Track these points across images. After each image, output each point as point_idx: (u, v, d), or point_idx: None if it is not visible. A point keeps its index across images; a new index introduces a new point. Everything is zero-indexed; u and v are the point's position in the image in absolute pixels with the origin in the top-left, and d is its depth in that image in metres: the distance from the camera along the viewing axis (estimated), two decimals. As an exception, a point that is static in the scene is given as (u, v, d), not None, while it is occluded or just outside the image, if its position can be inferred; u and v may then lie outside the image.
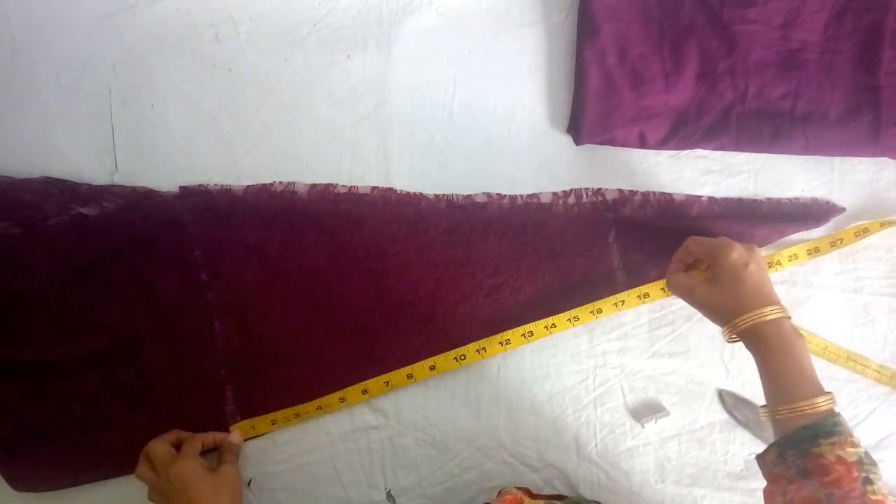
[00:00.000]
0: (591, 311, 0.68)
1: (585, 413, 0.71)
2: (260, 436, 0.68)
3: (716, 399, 0.71)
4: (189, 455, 0.60)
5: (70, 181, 0.65)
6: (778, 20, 0.69)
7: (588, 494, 0.70)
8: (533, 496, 0.64)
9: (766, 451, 0.53)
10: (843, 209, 0.71)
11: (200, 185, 0.67)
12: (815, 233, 0.71)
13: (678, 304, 0.71)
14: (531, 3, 0.71)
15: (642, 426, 0.70)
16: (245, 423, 0.67)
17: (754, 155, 0.72)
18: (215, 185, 0.68)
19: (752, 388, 0.71)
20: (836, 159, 0.72)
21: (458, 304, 0.69)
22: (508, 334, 0.67)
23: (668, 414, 0.70)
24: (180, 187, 0.67)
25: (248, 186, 0.68)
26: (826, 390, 0.52)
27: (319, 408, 0.67)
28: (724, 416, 0.71)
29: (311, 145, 0.69)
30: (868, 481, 0.47)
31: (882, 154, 0.70)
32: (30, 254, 0.64)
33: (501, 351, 0.68)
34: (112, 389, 0.66)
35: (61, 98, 0.67)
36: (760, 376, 0.56)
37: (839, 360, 0.71)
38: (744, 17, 0.69)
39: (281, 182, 0.68)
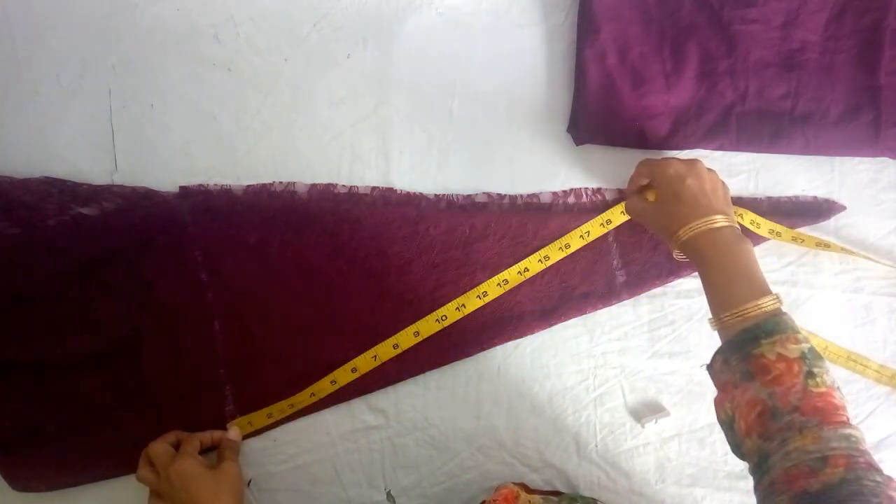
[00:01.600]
0: (560, 248, 0.68)
1: (585, 413, 0.71)
2: (259, 433, 0.68)
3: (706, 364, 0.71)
4: (189, 454, 0.59)
5: (70, 181, 0.65)
6: (778, 20, 0.69)
7: (588, 494, 0.70)
8: (530, 491, 0.64)
9: (712, 360, 0.52)
10: (844, 207, 0.71)
11: (200, 185, 0.67)
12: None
13: (678, 304, 0.71)
14: (531, 4, 0.71)
15: (642, 426, 0.70)
16: (242, 420, 0.66)
17: (754, 155, 0.72)
18: (215, 185, 0.67)
19: (753, 388, 0.71)
20: (837, 159, 0.72)
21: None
22: (485, 286, 0.68)
23: (668, 414, 0.70)
24: (180, 187, 0.67)
25: (248, 186, 0.68)
26: (771, 290, 0.51)
27: (312, 395, 0.66)
28: (724, 416, 0.71)
29: (311, 145, 0.69)
30: (810, 375, 0.45)
31: (882, 154, 0.70)
32: (30, 254, 0.64)
33: (480, 304, 0.67)
34: (112, 389, 0.66)
35: (61, 98, 0.66)
36: (703, 288, 0.55)
37: (839, 360, 0.71)
38: (744, 17, 0.69)
39: (281, 182, 0.68)
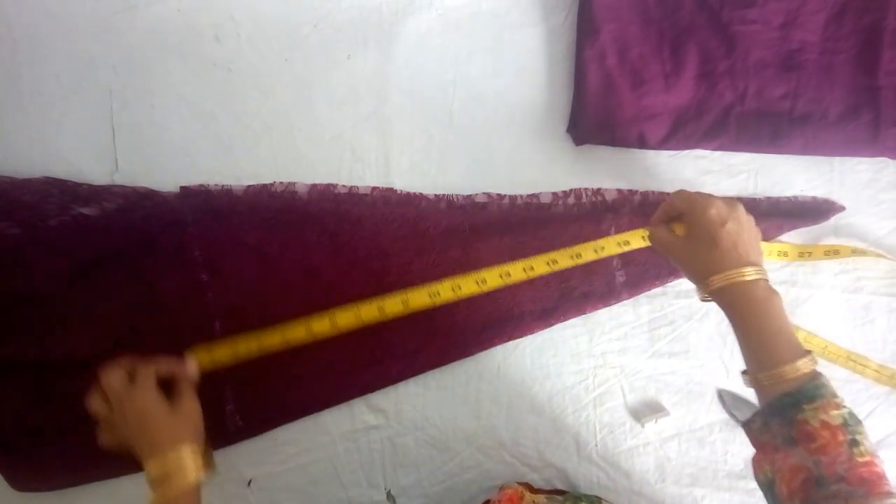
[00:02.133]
0: (571, 256, 0.66)
1: (585, 413, 0.71)
2: (259, 434, 0.68)
3: (716, 399, 0.71)
4: (147, 388, 0.54)
5: (70, 181, 0.65)
6: (777, 20, 0.69)
7: (588, 494, 0.70)
8: (534, 491, 0.64)
9: (751, 420, 0.52)
10: (843, 207, 0.71)
11: (201, 185, 0.67)
12: (806, 235, 0.71)
13: (678, 304, 0.71)
14: (531, 4, 0.71)
15: (642, 426, 0.70)
16: (201, 350, 0.60)
17: (754, 155, 0.72)
18: (215, 185, 0.68)
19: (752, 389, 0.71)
20: (836, 159, 0.72)
21: (458, 304, 0.68)
22: (485, 273, 0.65)
23: (668, 414, 0.70)
24: (181, 187, 0.67)
25: (249, 186, 0.68)
26: (805, 349, 0.51)
27: (286, 341, 0.63)
28: (723, 415, 0.71)
29: (311, 145, 0.69)
30: (854, 443, 0.46)
31: (881, 154, 0.70)
32: (30, 253, 0.64)
33: (476, 291, 0.65)
34: (112, 389, 0.66)
35: (61, 98, 0.67)
36: (737, 338, 0.54)
37: (839, 360, 0.71)
38: (743, 18, 0.69)
39: (281, 182, 0.68)
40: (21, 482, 0.64)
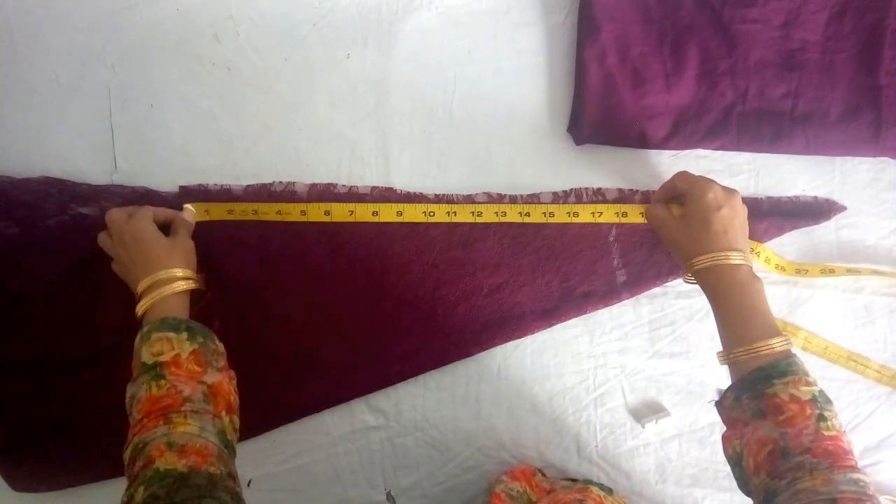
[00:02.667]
0: (568, 213, 0.68)
1: (586, 413, 0.71)
2: (259, 434, 0.68)
3: (716, 399, 0.71)
4: (144, 217, 0.59)
5: (69, 181, 0.65)
6: (778, 20, 0.69)
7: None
8: (544, 475, 0.64)
9: (722, 396, 0.53)
10: (844, 207, 0.71)
11: (200, 185, 0.67)
12: (808, 236, 0.71)
13: (679, 305, 0.71)
14: (531, 4, 0.71)
15: (643, 426, 0.70)
16: (199, 205, 0.65)
17: (755, 155, 0.71)
18: (215, 184, 0.67)
19: (753, 389, 0.71)
20: (837, 159, 0.72)
21: (458, 304, 0.68)
22: (482, 208, 0.68)
23: (668, 414, 0.70)
24: (180, 187, 0.67)
25: (248, 186, 0.68)
26: (781, 331, 0.52)
27: (279, 212, 0.66)
28: (724, 416, 0.71)
29: (310, 145, 0.69)
30: (822, 418, 0.46)
31: (883, 154, 0.70)
32: (29, 253, 0.64)
33: (472, 220, 0.68)
34: (112, 389, 0.65)
35: (61, 98, 0.66)
36: (715, 319, 0.55)
37: (840, 361, 0.71)
38: (744, 17, 0.68)
39: (281, 182, 0.68)
40: (21, 482, 0.64)
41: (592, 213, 0.68)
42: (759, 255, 0.69)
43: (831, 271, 0.70)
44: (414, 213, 0.68)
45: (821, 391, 0.48)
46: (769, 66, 0.69)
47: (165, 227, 0.61)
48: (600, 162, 0.71)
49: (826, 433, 0.46)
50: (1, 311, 0.64)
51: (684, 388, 0.71)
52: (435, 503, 0.69)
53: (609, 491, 0.62)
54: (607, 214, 0.68)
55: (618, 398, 0.71)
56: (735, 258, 0.55)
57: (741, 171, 0.72)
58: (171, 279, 0.57)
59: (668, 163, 0.71)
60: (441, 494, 0.69)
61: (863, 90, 0.69)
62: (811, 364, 0.64)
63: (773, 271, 0.70)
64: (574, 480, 0.67)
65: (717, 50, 0.69)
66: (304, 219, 0.66)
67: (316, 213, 0.66)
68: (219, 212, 0.65)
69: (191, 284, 0.58)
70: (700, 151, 0.71)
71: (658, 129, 0.69)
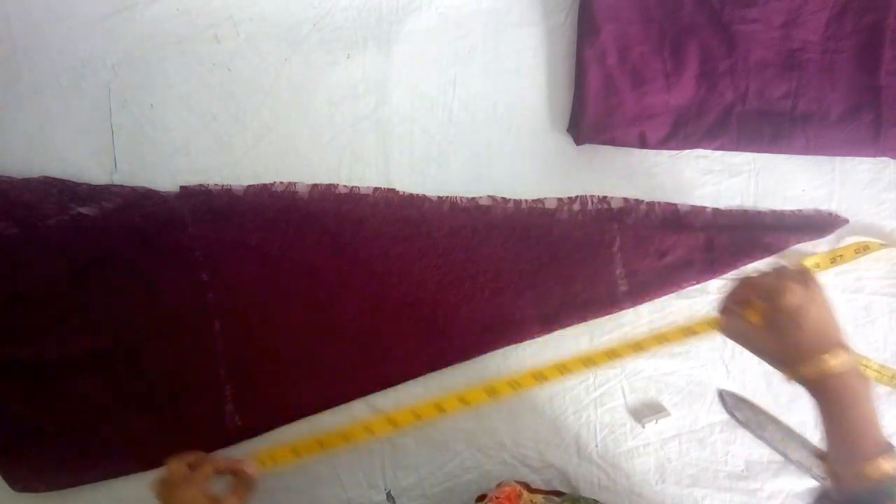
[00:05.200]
0: (632, 346, 0.68)
1: (586, 413, 0.71)
2: (259, 434, 0.68)
3: (716, 399, 0.71)
4: (197, 483, 0.57)
5: (69, 181, 0.65)
6: (778, 20, 0.69)
7: (588, 494, 0.69)
8: (531, 491, 0.64)
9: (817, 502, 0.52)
10: (847, 220, 0.71)
11: (201, 185, 0.67)
12: (819, 245, 0.71)
13: (679, 305, 0.71)
14: (531, 4, 0.71)
15: (643, 426, 0.70)
16: (263, 454, 0.64)
17: (755, 155, 0.71)
18: (215, 185, 0.67)
19: (752, 388, 0.71)
20: (837, 159, 0.72)
21: (459, 307, 0.68)
22: (546, 371, 0.67)
23: (668, 414, 0.70)
24: (181, 187, 0.67)
25: (249, 186, 0.68)
26: (888, 442, 0.50)
27: (344, 437, 0.65)
28: (724, 416, 0.71)
29: (311, 145, 0.69)
30: None
31: (882, 154, 0.70)
32: (29, 253, 0.64)
33: (535, 384, 0.67)
34: (112, 389, 0.66)
35: (61, 98, 0.66)
36: (822, 423, 0.53)
37: (840, 361, 0.71)
38: (744, 17, 0.68)
39: (282, 182, 0.68)
40: (21, 482, 0.64)
41: (634, 346, 0.68)
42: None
43: (865, 248, 0.70)
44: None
45: None
46: (769, 66, 0.69)
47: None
48: (600, 162, 0.71)
49: None
50: (1, 311, 0.64)
51: (684, 388, 0.71)
52: (435, 503, 0.69)
53: (594, 503, 0.62)
54: (674, 336, 0.68)
55: (618, 398, 0.71)
56: (839, 360, 0.51)
57: (741, 171, 0.72)
58: None
59: (668, 163, 0.71)
60: (441, 494, 0.69)
61: (863, 90, 0.69)
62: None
63: (815, 268, 0.70)
64: (560, 494, 0.66)
65: (717, 50, 0.69)
66: (368, 436, 0.65)
67: (383, 426, 0.65)
68: (284, 454, 0.64)
69: None
70: (700, 151, 0.71)
71: (658, 129, 0.69)
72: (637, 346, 0.67)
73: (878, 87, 0.68)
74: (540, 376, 0.66)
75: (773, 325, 0.54)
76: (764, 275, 0.55)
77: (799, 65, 0.69)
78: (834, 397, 0.52)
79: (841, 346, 0.52)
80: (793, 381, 0.54)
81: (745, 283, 0.56)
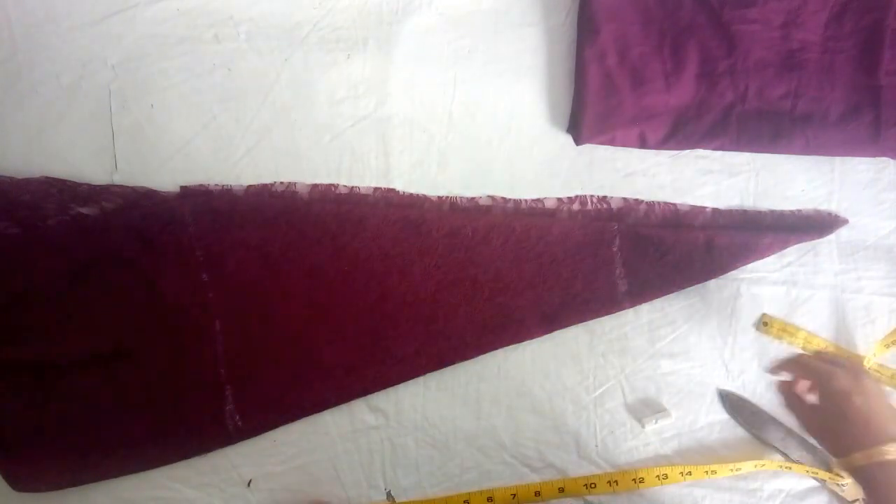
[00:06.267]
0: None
1: (586, 413, 0.71)
2: (259, 434, 0.68)
3: (716, 399, 0.71)
4: None
5: (70, 181, 0.65)
6: (778, 20, 0.69)
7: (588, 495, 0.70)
8: None
9: None
10: (846, 221, 0.71)
11: (201, 185, 0.67)
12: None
13: (679, 305, 0.71)
14: (531, 4, 0.71)
15: (643, 426, 0.70)
16: None
17: (754, 155, 0.72)
18: (215, 185, 0.67)
19: (752, 388, 0.71)
20: (837, 159, 0.72)
21: (459, 307, 0.68)
22: (643, 472, 0.69)
23: (668, 414, 0.70)
24: (181, 187, 0.67)
25: (249, 186, 0.68)
26: None
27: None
28: (724, 416, 0.71)
29: (311, 145, 0.69)
30: None
31: (882, 154, 0.70)
32: (29, 253, 0.64)
33: (635, 487, 0.68)
34: (112, 389, 0.66)
35: (61, 98, 0.66)
36: None
37: (840, 361, 0.71)
38: (744, 17, 0.69)
39: (282, 182, 0.68)
40: (21, 482, 0.64)
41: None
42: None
43: None
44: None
45: None
46: (769, 66, 0.69)
47: None
48: (600, 162, 0.71)
49: None
50: (1, 311, 0.64)
51: (684, 387, 0.71)
52: (435, 503, 0.69)
53: None
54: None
55: (618, 398, 0.71)
56: (889, 453, 0.51)
57: (740, 171, 0.72)
58: None
59: (668, 163, 0.71)
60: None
61: (862, 90, 0.69)
62: (811, 364, 0.64)
63: (885, 350, 0.69)
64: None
65: (717, 50, 0.69)
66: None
67: (478, 500, 0.67)
68: None
69: None
70: (699, 151, 0.71)
71: (658, 129, 0.69)
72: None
73: (877, 87, 0.68)
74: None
75: (824, 410, 0.55)
76: (817, 357, 0.56)
77: (798, 65, 0.69)
78: (881, 491, 0.52)
79: (888, 440, 0.51)
80: (841, 468, 0.55)
81: (799, 364, 0.57)
